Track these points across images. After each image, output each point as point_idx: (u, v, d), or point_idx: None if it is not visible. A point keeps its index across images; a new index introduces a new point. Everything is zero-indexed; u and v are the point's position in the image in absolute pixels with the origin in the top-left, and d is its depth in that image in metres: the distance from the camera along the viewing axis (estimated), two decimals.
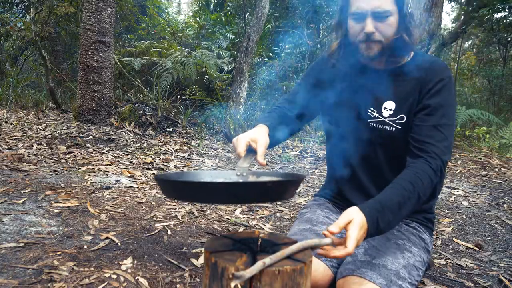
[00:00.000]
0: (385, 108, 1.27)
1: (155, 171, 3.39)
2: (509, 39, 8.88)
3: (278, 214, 2.55)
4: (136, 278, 1.57)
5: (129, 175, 3.17)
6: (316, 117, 1.49)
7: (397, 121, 1.25)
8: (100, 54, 4.98)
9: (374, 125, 1.28)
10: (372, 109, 1.29)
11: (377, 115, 1.28)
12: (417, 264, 1.21)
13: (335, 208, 1.47)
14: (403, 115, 1.24)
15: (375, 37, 1.19)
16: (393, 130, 1.25)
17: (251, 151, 1.12)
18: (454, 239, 2.24)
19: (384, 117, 1.27)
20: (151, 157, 3.86)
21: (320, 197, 1.54)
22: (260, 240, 1.00)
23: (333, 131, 1.42)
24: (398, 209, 1.05)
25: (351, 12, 1.21)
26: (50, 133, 4.44)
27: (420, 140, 1.17)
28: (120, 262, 1.70)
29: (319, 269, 1.19)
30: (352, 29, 1.22)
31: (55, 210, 2.24)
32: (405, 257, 1.19)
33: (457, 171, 4.08)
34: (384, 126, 1.26)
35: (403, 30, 1.20)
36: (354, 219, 0.98)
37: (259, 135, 1.15)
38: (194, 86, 7.09)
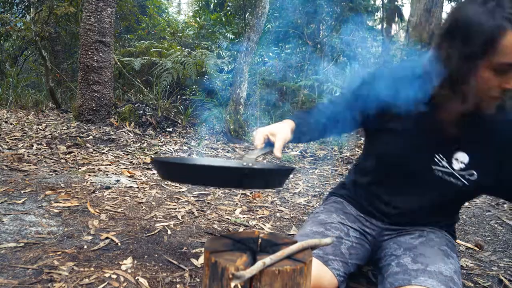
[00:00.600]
0: (456, 159, 1.15)
1: (155, 171, 3.39)
2: None
3: (278, 214, 2.55)
4: (136, 278, 1.57)
5: (129, 175, 3.18)
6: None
7: (467, 177, 1.14)
8: (100, 54, 4.98)
9: (440, 174, 1.16)
10: (441, 156, 1.16)
11: (445, 164, 1.16)
12: (459, 270, 1.19)
13: (350, 207, 1.43)
14: (475, 172, 1.13)
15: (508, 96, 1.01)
16: (461, 185, 1.15)
17: (269, 144, 1.10)
18: None
19: (454, 169, 1.15)
20: (151, 157, 3.86)
21: (338, 197, 1.50)
22: (260, 240, 1.00)
23: (385, 163, 1.28)
24: None
25: (501, 62, 0.95)
26: (50, 133, 4.45)
27: None
28: (120, 262, 1.70)
29: (326, 276, 1.17)
30: (485, 79, 0.98)
31: (55, 210, 2.25)
32: (452, 262, 1.16)
33: None
34: (451, 179, 1.16)
35: None
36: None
37: (279, 129, 1.11)
38: (194, 86, 7.09)
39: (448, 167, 1.16)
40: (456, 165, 1.15)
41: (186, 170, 0.98)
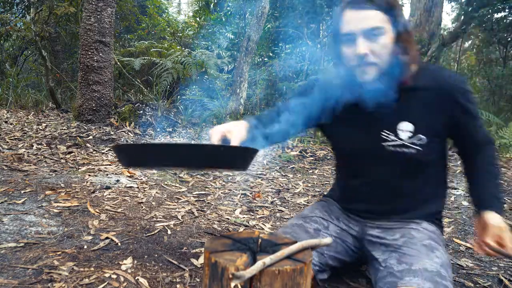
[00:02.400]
0: (401, 129, 1.21)
1: (155, 171, 3.39)
2: (509, 39, 8.88)
3: (278, 214, 2.56)
4: (136, 278, 1.57)
5: (129, 175, 3.18)
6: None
7: (417, 143, 1.20)
8: (100, 54, 4.98)
9: (392, 148, 1.22)
10: (386, 132, 1.22)
11: (393, 137, 1.22)
12: (448, 261, 1.20)
13: (334, 206, 1.48)
14: (423, 136, 1.19)
15: (369, 59, 1.11)
16: (414, 152, 1.20)
17: (225, 141, 1.12)
18: (454, 239, 2.24)
19: (403, 140, 1.21)
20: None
21: (327, 197, 1.55)
22: (260, 240, 1.01)
23: (344, 154, 1.39)
24: (500, 190, 1.24)
25: (342, 35, 1.14)
26: (50, 133, 4.45)
27: (476, 140, 1.29)
28: (120, 262, 1.70)
29: None
30: (345, 54, 1.16)
31: (55, 210, 2.25)
32: (438, 256, 1.17)
33: (457, 171, 4.08)
34: (403, 149, 1.21)
35: (400, 50, 1.13)
36: (502, 227, 1.15)
37: (235, 127, 1.15)
38: (194, 86, 7.09)
39: (397, 139, 1.21)
40: (403, 135, 1.20)
41: (150, 152, 0.95)
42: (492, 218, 1.18)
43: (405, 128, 1.20)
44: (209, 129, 1.26)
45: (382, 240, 1.32)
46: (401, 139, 1.21)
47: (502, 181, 1.27)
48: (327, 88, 1.26)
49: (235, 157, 0.97)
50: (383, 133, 1.23)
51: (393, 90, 1.17)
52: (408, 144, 1.20)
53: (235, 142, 1.10)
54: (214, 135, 1.12)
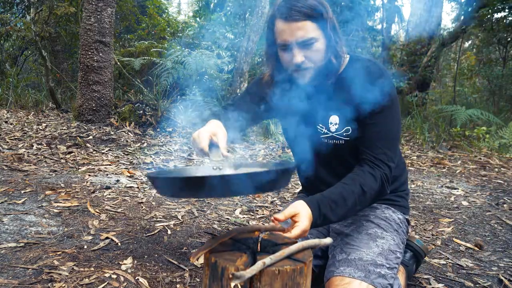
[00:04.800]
0: (331, 123, 1.31)
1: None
2: (509, 39, 8.87)
3: None
4: (136, 278, 1.57)
5: (129, 175, 3.18)
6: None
7: (344, 134, 1.29)
8: (100, 54, 4.98)
9: (326, 140, 1.33)
10: (321, 125, 1.34)
11: (326, 130, 1.33)
12: (392, 247, 1.25)
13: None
14: (348, 127, 1.28)
15: (305, 65, 1.22)
16: (343, 142, 1.30)
17: (212, 145, 1.15)
18: (454, 239, 2.24)
19: (332, 132, 1.31)
20: (151, 157, 3.86)
21: (303, 195, 1.62)
22: (260, 240, 1.01)
23: (293, 147, 1.50)
24: (343, 199, 1.14)
25: (278, 43, 1.22)
26: (50, 133, 4.45)
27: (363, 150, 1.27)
28: (120, 262, 1.70)
29: None
30: (282, 58, 1.25)
31: (55, 210, 2.25)
32: (378, 244, 1.24)
33: (457, 171, 4.08)
34: (334, 141, 1.31)
35: (331, 51, 1.22)
36: (301, 211, 1.07)
37: (218, 128, 1.18)
38: (194, 86, 7.08)
39: (328, 131, 1.32)
40: (333, 128, 1.31)
41: (192, 184, 0.89)
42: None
43: (334, 121, 1.31)
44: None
45: (335, 225, 1.40)
46: (331, 131, 1.32)
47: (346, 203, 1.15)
48: (269, 86, 1.38)
49: (281, 178, 0.98)
50: (318, 127, 1.34)
51: (326, 86, 1.28)
52: (336, 136, 1.31)
53: (222, 143, 1.13)
54: (202, 140, 1.13)
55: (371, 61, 1.29)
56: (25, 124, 4.95)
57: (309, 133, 1.35)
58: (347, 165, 1.31)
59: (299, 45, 1.18)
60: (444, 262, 1.93)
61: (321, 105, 1.31)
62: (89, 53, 4.93)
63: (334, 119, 1.30)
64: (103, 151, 3.91)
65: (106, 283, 1.51)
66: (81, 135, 4.38)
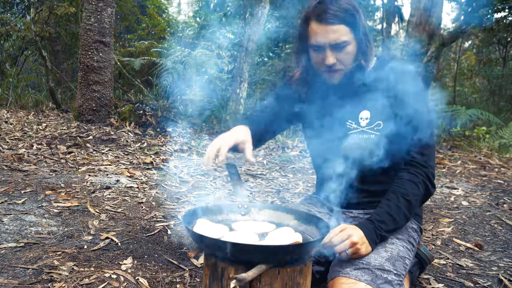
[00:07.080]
0: (361, 118, 1.34)
1: (155, 171, 3.39)
2: (509, 39, 8.88)
3: None
4: (136, 278, 1.57)
5: (129, 175, 3.18)
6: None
7: (375, 128, 1.31)
8: (100, 54, 4.98)
9: (355, 135, 1.34)
10: (350, 121, 1.36)
11: (355, 126, 1.35)
12: (402, 254, 1.25)
13: (320, 202, 1.53)
14: (380, 122, 1.31)
15: (336, 67, 1.27)
16: (373, 137, 1.31)
17: (234, 150, 1.19)
18: (454, 239, 2.24)
19: (362, 127, 1.33)
20: (151, 157, 3.86)
21: (315, 196, 1.60)
22: None
23: (318, 145, 1.49)
24: (391, 218, 1.19)
25: (311, 44, 1.27)
26: (50, 133, 4.45)
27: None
28: (120, 262, 1.70)
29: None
30: (314, 58, 1.30)
31: (55, 210, 2.25)
32: (387, 250, 1.23)
33: (457, 171, 4.08)
34: (364, 135, 1.33)
35: (361, 54, 1.27)
36: (353, 235, 1.13)
37: (243, 136, 1.23)
38: (194, 86, 7.08)
39: (358, 126, 1.34)
40: (363, 123, 1.33)
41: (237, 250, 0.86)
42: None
43: (364, 116, 1.33)
44: (209, 136, 1.24)
45: None
46: (361, 126, 1.33)
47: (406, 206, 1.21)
48: (296, 90, 1.43)
49: (307, 252, 0.97)
50: (348, 123, 1.36)
51: (356, 84, 1.31)
52: (367, 130, 1.32)
53: (249, 152, 1.18)
54: (223, 147, 1.17)
55: (398, 60, 1.35)
56: (25, 124, 4.95)
57: (338, 129, 1.37)
58: (373, 161, 1.32)
59: (331, 47, 1.23)
60: (444, 262, 1.93)
61: (351, 102, 1.34)
62: (89, 53, 4.93)
63: (365, 114, 1.33)
64: (103, 151, 3.91)
65: (106, 283, 1.51)
66: (81, 135, 4.38)
